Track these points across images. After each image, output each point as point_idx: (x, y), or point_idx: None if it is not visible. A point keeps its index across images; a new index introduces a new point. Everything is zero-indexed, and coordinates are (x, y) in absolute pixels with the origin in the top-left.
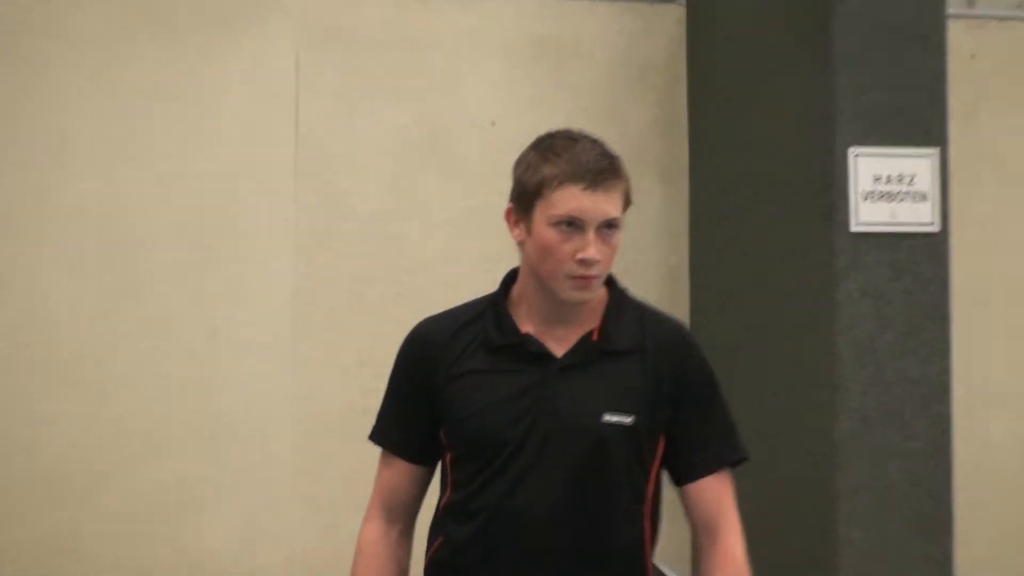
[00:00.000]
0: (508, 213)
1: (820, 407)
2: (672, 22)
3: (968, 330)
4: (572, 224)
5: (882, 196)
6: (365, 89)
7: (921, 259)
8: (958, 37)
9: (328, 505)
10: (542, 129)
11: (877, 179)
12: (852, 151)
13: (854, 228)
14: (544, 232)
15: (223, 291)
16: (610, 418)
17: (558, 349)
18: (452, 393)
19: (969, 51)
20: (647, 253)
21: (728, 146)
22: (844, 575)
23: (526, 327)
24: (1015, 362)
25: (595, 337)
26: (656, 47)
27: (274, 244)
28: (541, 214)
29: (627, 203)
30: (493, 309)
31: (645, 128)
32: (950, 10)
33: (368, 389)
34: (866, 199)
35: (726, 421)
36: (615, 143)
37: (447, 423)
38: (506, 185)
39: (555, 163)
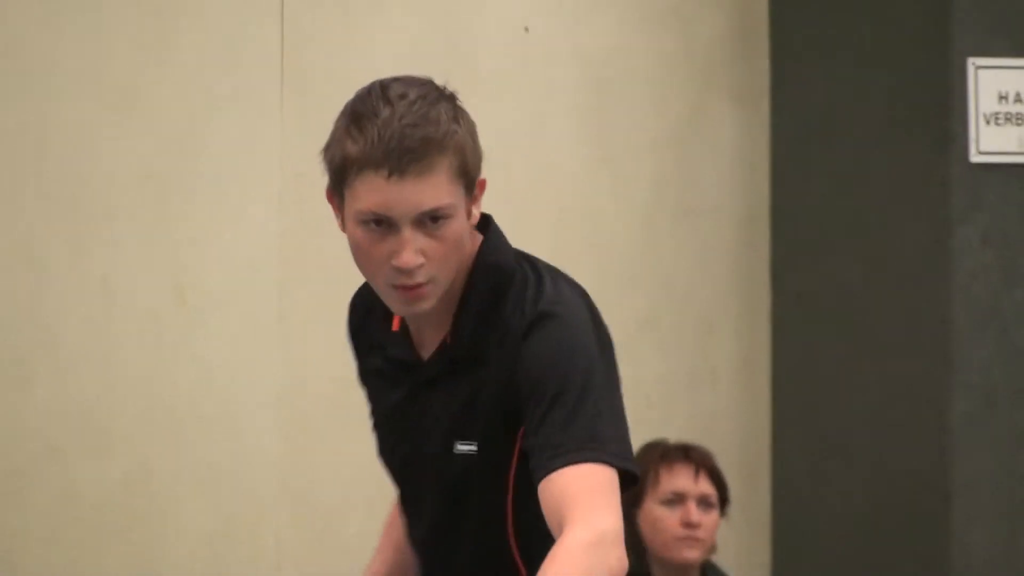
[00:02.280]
0: (329, 195)
1: (932, 384)
2: None
3: None
4: (381, 222)
5: (1010, 118)
6: None
7: None
8: None
9: (318, 502)
10: (585, 38)
11: (1003, 97)
12: (972, 62)
13: (975, 158)
14: (353, 230)
15: (191, 242)
16: (461, 448)
17: (428, 348)
18: (366, 392)
19: None
20: (717, 192)
21: (818, 59)
22: None
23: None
24: None
25: (448, 339)
26: None
27: (255, 183)
28: (349, 207)
29: (464, 176)
30: None
31: (716, 38)
32: None
33: None
34: (990, 122)
35: (578, 416)
36: (678, 57)
37: None
38: (543, 107)
39: (356, 138)
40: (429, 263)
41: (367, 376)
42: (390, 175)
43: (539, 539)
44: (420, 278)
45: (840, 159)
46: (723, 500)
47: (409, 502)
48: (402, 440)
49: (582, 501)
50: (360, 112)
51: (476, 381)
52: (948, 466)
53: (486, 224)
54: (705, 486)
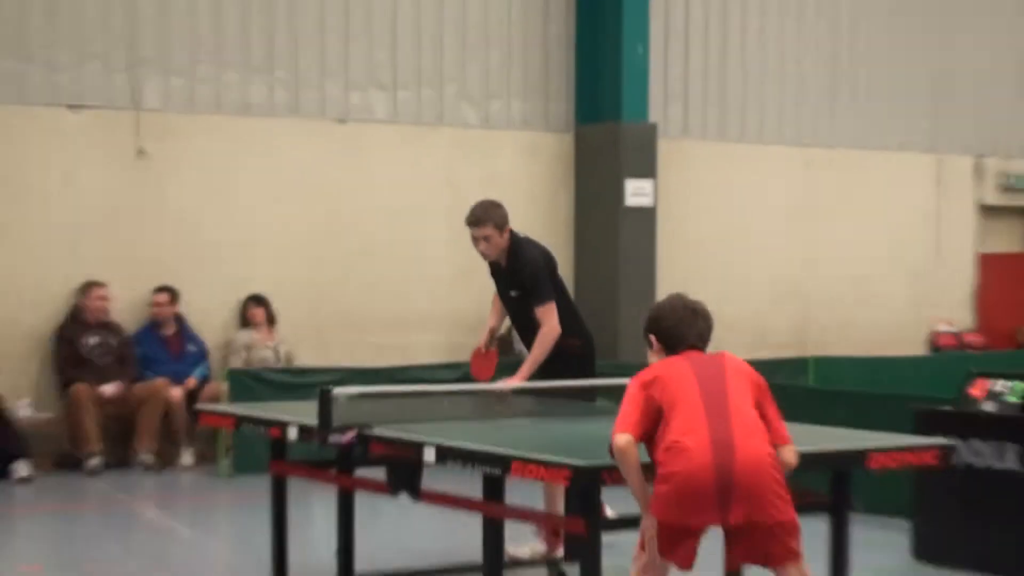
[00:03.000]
0: None
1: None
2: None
3: None
4: (475, 240)
5: (636, 195)
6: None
7: None
8: None
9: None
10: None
11: (637, 190)
12: (627, 181)
13: (627, 203)
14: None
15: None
16: (513, 294)
17: (503, 265)
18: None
19: None
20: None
21: (590, 166)
22: None
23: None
24: None
25: (506, 266)
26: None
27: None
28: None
29: (498, 226)
30: None
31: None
32: None
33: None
34: (632, 196)
35: (535, 288)
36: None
37: None
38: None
39: (469, 217)
40: (486, 250)
41: (493, 271)
42: (471, 226)
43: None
44: (484, 252)
45: (593, 190)
46: None
47: (505, 306)
48: (502, 292)
49: (543, 315)
50: (471, 210)
51: (516, 276)
52: (617, 306)
53: (510, 231)
54: None
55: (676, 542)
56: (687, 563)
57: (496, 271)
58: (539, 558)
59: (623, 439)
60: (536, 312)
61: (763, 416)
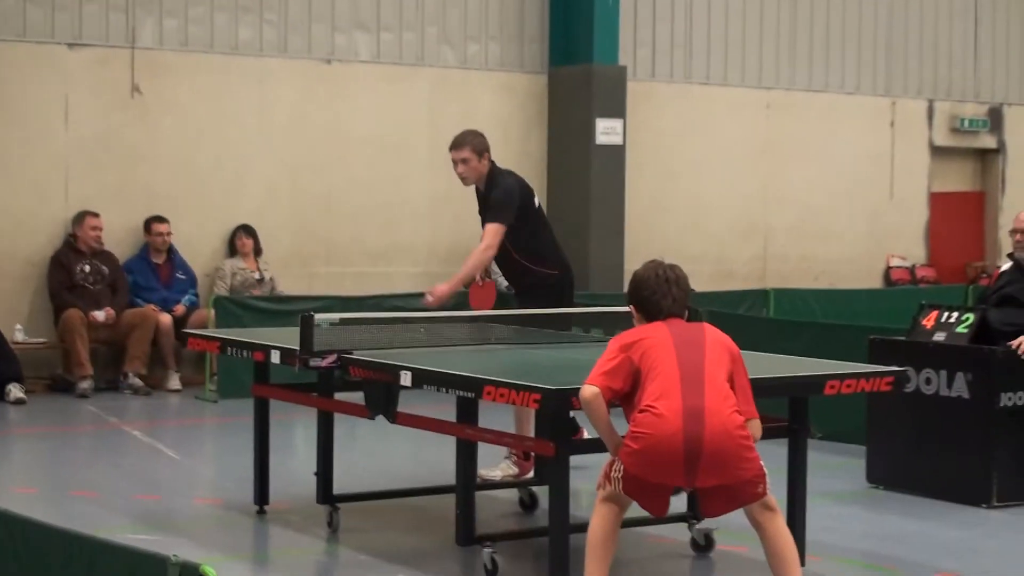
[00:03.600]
0: None
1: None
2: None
3: None
4: (455, 163)
5: (606, 134)
6: None
7: None
8: None
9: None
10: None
11: (606, 129)
12: (597, 120)
13: (598, 141)
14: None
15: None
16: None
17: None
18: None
19: None
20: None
21: (564, 101)
22: None
23: None
24: None
25: (484, 191)
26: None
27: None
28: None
29: (476, 151)
30: None
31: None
32: None
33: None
34: (601, 134)
35: (494, 209)
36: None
37: None
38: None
39: (454, 140)
40: (464, 173)
41: (480, 206)
42: (451, 150)
43: (515, 253)
44: (463, 175)
45: (566, 128)
46: None
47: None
48: (484, 223)
49: (487, 232)
50: (454, 137)
51: (489, 200)
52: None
53: (491, 162)
54: None
55: (641, 490)
56: (659, 511)
57: (480, 202)
58: (510, 480)
59: (589, 391)
60: (483, 225)
61: (734, 387)
